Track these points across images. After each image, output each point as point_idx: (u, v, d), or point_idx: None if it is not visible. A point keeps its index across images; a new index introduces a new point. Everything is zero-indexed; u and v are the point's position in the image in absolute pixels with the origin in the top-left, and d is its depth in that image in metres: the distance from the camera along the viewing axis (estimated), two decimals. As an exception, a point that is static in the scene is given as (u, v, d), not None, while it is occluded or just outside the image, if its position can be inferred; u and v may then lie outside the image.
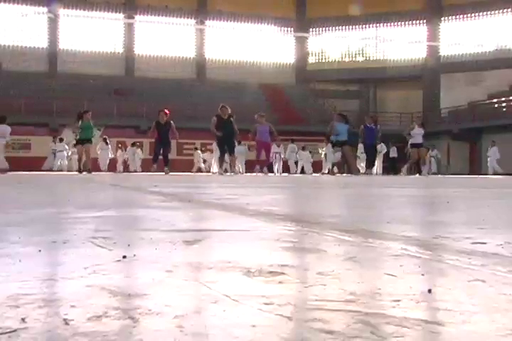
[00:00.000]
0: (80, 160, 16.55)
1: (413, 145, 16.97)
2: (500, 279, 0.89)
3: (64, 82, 33.90)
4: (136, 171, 25.72)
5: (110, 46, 39.56)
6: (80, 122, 16.11)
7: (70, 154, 26.00)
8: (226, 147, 15.28)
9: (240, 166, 26.15)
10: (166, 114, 15.63)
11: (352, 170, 16.55)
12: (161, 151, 15.52)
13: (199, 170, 27.33)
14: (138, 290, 0.79)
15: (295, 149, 27.62)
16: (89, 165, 15.94)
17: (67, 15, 37.71)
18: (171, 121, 15.58)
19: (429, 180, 11.26)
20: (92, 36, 38.74)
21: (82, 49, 38.55)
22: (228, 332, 0.59)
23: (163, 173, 14.99)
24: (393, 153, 27.22)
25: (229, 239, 1.38)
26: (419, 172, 18.61)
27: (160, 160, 15.51)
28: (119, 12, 39.08)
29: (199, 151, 28.57)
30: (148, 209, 2.50)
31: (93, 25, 38.70)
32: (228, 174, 15.81)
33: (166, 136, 15.34)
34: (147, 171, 24.12)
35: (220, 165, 16.20)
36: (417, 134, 16.82)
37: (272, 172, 23.44)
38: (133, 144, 27.67)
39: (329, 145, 19.29)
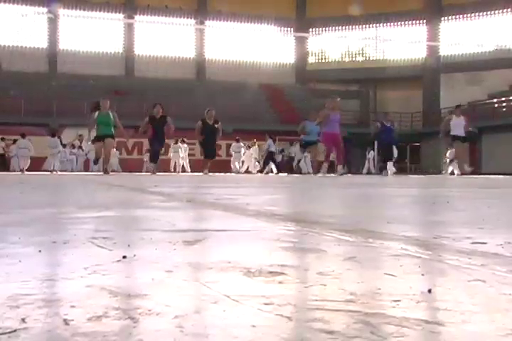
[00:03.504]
0: (98, 158, 13.94)
1: (455, 138, 15.33)
2: (500, 279, 0.89)
3: (64, 82, 33.90)
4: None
5: (110, 46, 39.57)
6: (97, 114, 13.27)
7: (68, 154, 25.96)
8: (207, 152, 14.86)
9: (235, 166, 26.09)
10: (162, 107, 14.31)
11: (314, 168, 15.64)
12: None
13: (182, 168, 26.27)
14: (138, 290, 0.79)
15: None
16: (107, 165, 13.74)
17: (67, 16, 37.69)
18: (167, 116, 14.34)
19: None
20: (92, 36, 38.73)
21: (82, 49, 38.57)
22: (228, 332, 0.59)
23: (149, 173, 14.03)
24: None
25: (229, 239, 1.38)
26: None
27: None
28: (119, 12, 39.09)
29: (184, 144, 26.99)
30: (148, 210, 2.50)
31: (93, 26, 38.70)
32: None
33: (161, 132, 14.13)
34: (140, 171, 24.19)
35: (205, 167, 15.35)
36: (457, 125, 15.24)
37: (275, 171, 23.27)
38: None
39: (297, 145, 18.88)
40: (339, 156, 14.07)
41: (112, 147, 13.83)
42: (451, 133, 15.38)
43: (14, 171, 23.66)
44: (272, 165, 23.91)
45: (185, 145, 26.63)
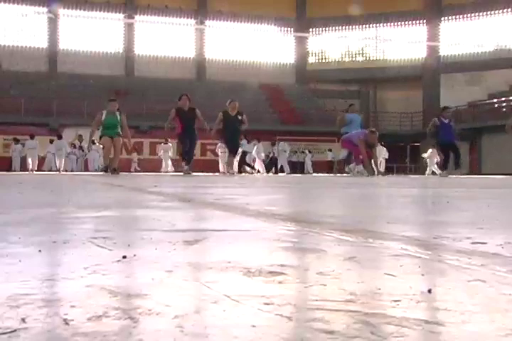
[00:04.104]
0: (106, 156, 12.93)
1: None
2: (500, 279, 0.89)
3: (64, 82, 33.95)
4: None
5: (110, 46, 39.62)
6: (104, 115, 12.58)
7: (68, 153, 26.06)
8: (230, 146, 13.81)
9: (284, 166, 25.83)
10: (189, 98, 12.87)
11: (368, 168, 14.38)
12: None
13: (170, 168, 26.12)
14: (138, 290, 0.79)
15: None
16: (116, 164, 12.74)
17: (67, 16, 37.71)
18: (196, 108, 12.80)
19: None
20: (92, 36, 38.79)
21: (82, 49, 38.61)
22: (228, 332, 0.59)
23: (182, 173, 13.05)
24: (386, 153, 27.26)
25: (229, 239, 1.38)
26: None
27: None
28: (119, 12, 39.12)
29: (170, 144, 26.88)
30: (148, 209, 2.50)
31: (93, 26, 38.75)
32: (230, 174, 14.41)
33: (191, 127, 12.61)
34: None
35: (229, 165, 14.60)
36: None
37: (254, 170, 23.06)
38: None
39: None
40: (357, 157, 13.97)
41: (120, 144, 12.76)
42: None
43: (15, 171, 23.72)
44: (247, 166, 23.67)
45: (170, 144, 26.72)
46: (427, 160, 25.54)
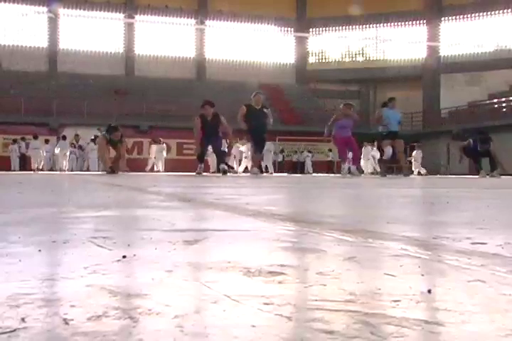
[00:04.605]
0: (102, 158, 13.80)
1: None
2: (500, 279, 0.89)
3: (64, 81, 33.96)
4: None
5: (110, 46, 39.63)
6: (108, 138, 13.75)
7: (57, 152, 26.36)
8: (257, 143, 12.87)
9: (268, 166, 25.86)
10: (211, 105, 12.45)
11: (403, 168, 14.44)
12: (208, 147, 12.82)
13: (152, 168, 26.36)
14: (138, 290, 0.79)
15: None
16: (120, 164, 13.36)
17: (67, 15, 37.71)
18: (219, 114, 12.44)
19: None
20: (92, 36, 38.79)
21: (82, 49, 38.63)
22: (228, 332, 0.59)
23: (220, 174, 12.75)
24: (377, 154, 27.32)
25: (229, 239, 1.38)
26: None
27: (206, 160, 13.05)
28: (120, 12, 39.12)
29: (164, 145, 27.41)
30: (148, 209, 2.50)
31: (93, 25, 38.75)
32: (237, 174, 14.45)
33: (213, 133, 12.35)
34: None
35: (255, 164, 13.36)
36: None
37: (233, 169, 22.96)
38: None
39: None
40: (355, 157, 13.83)
41: (125, 145, 13.58)
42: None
43: (14, 171, 23.77)
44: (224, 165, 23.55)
45: (164, 145, 27.09)
46: (413, 161, 25.87)
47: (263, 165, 25.87)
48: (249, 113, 12.47)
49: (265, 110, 12.76)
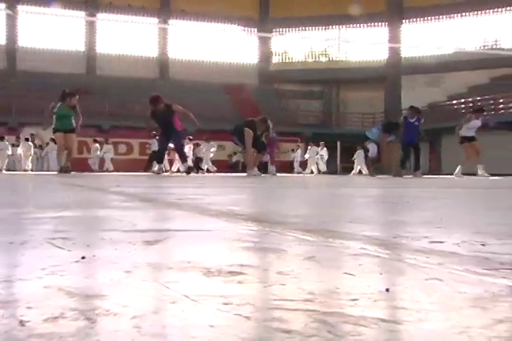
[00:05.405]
0: (60, 154, 12.34)
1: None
2: (456, 277, 0.90)
3: (24, 79, 33.36)
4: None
5: (71, 44, 39.09)
6: (58, 105, 12.08)
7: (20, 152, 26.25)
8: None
9: (207, 165, 26.06)
10: (152, 101, 12.12)
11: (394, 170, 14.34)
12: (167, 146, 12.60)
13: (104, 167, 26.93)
14: (96, 290, 0.78)
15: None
16: (68, 163, 12.24)
17: (26, 12, 37.03)
18: (174, 104, 12.00)
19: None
20: (52, 34, 38.18)
21: (42, 47, 38.00)
22: (186, 332, 0.59)
23: (185, 174, 12.63)
24: (325, 154, 27.69)
25: (190, 239, 1.37)
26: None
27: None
28: (81, 10, 38.60)
29: (97, 145, 27.99)
30: (109, 210, 2.48)
31: (54, 23, 38.13)
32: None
33: (169, 126, 11.86)
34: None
35: (254, 165, 13.12)
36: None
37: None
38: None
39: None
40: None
41: (73, 140, 12.24)
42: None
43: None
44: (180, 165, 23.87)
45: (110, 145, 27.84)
46: (355, 160, 26.26)
47: (204, 165, 26.10)
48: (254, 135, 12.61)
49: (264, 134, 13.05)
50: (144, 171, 17.84)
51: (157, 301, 0.74)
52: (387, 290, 0.80)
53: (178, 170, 19.54)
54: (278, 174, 16.65)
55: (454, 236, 1.44)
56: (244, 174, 13.06)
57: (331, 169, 30.20)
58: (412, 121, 14.74)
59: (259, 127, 12.86)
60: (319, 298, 0.74)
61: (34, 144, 27.28)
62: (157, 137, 13.74)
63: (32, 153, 26.28)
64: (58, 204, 2.91)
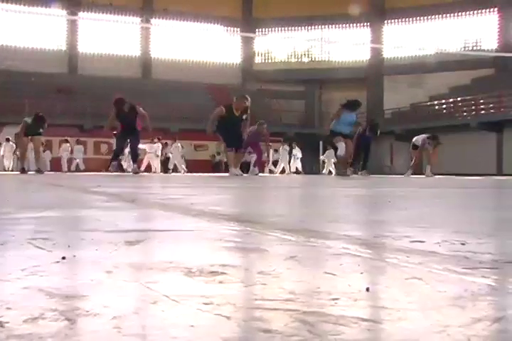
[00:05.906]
0: (22, 156, 13.64)
1: None
2: (436, 277, 0.91)
3: (4, 79, 33.03)
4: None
5: (52, 43, 38.78)
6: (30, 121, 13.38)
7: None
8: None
9: (179, 166, 26.06)
10: (122, 100, 12.50)
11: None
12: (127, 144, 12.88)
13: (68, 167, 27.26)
14: (76, 291, 0.78)
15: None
16: (41, 164, 13.03)
17: (5, 10, 36.61)
18: (137, 106, 12.51)
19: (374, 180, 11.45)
20: (33, 32, 37.83)
21: (22, 45, 37.64)
22: (167, 332, 0.58)
23: (131, 173, 12.85)
24: (299, 153, 27.73)
25: (171, 240, 1.37)
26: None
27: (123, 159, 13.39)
28: (61, 8, 38.29)
29: (68, 144, 28.31)
30: (90, 210, 2.47)
31: (34, 21, 37.76)
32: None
33: (132, 125, 12.35)
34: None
35: (235, 165, 12.63)
36: None
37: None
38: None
39: None
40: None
41: (39, 143, 13.45)
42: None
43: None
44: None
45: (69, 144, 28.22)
46: (325, 160, 26.40)
47: (171, 164, 26.13)
48: (225, 117, 12.00)
49: (244, 117, 12.26)
50: (106, 170, 17.85)
51: (138, 301, 0.73)
52: (367, 289, 0.80)
53: (125, 170, 19.33)
54: (260, 174, 16.65)
55: (435, 236, 1.45)
56: (227, 174, 13.00)
57: (314, 169, 30.21)
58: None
59: (237, 107, 12.19)
60: (300, 298, 0.75)
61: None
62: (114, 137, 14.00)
63: (12, 152, 26.33)
64: (39, 204, 2.89)
